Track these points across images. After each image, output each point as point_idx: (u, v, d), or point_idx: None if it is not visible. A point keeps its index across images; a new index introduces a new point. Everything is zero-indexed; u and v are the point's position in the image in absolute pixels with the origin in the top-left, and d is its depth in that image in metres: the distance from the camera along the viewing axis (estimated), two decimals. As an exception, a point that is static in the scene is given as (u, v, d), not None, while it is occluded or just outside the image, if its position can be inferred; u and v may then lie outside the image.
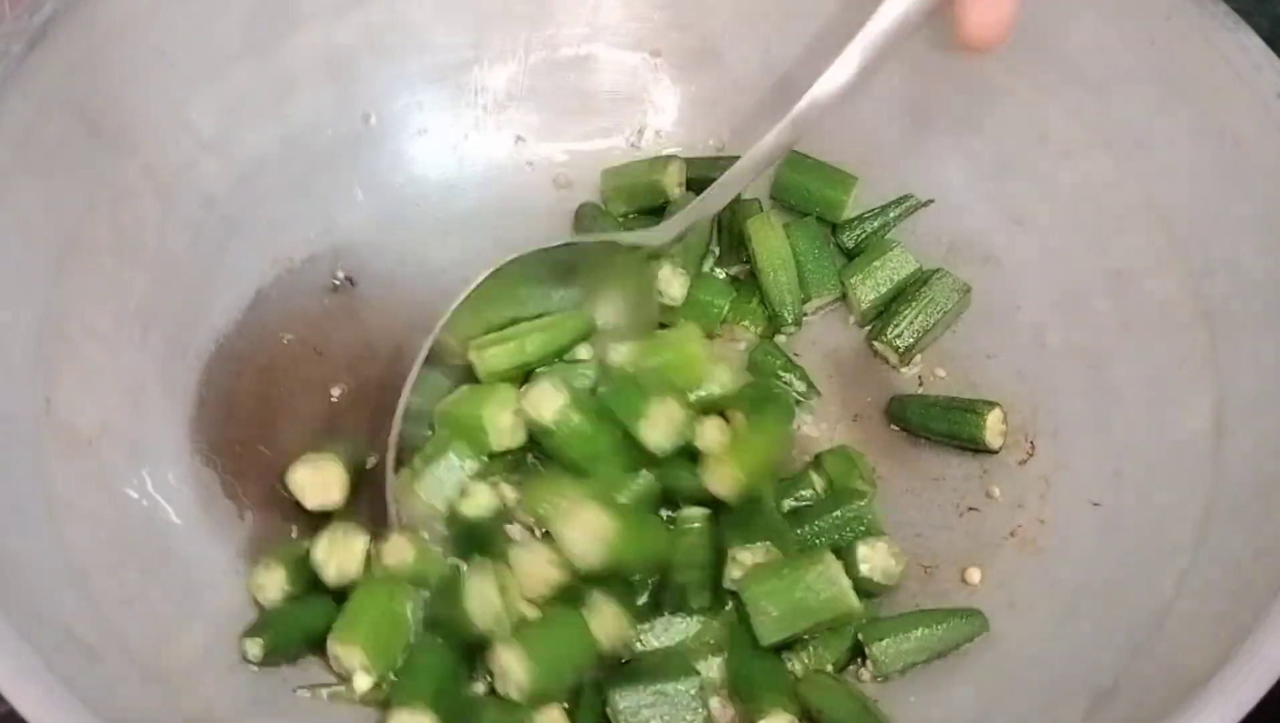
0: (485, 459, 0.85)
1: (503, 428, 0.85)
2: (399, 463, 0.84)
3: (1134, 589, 0.77)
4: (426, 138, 1.01)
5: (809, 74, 0.99)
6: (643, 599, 0.83)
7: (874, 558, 0.84)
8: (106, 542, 0.75)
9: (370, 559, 0.82)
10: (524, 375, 0.88)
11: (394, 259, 0.99)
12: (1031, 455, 0.90)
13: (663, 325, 0.93)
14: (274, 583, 0.81)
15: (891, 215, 1.00)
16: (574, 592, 0.80)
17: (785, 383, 0.94)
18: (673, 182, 0.99)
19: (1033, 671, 0.77)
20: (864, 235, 1.00)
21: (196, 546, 0.82)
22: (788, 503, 0.88)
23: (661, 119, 1.05)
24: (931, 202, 0.99)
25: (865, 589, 0.83)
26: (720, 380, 0.88)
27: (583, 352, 0.91)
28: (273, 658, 0.78)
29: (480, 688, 0.80)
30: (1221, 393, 0.81)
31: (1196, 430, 0.81)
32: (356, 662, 0.77)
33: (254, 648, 0.77)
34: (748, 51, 1.03)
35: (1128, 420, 0.86)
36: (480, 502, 0.83)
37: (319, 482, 0.85)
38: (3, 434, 0.73)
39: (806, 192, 1.00)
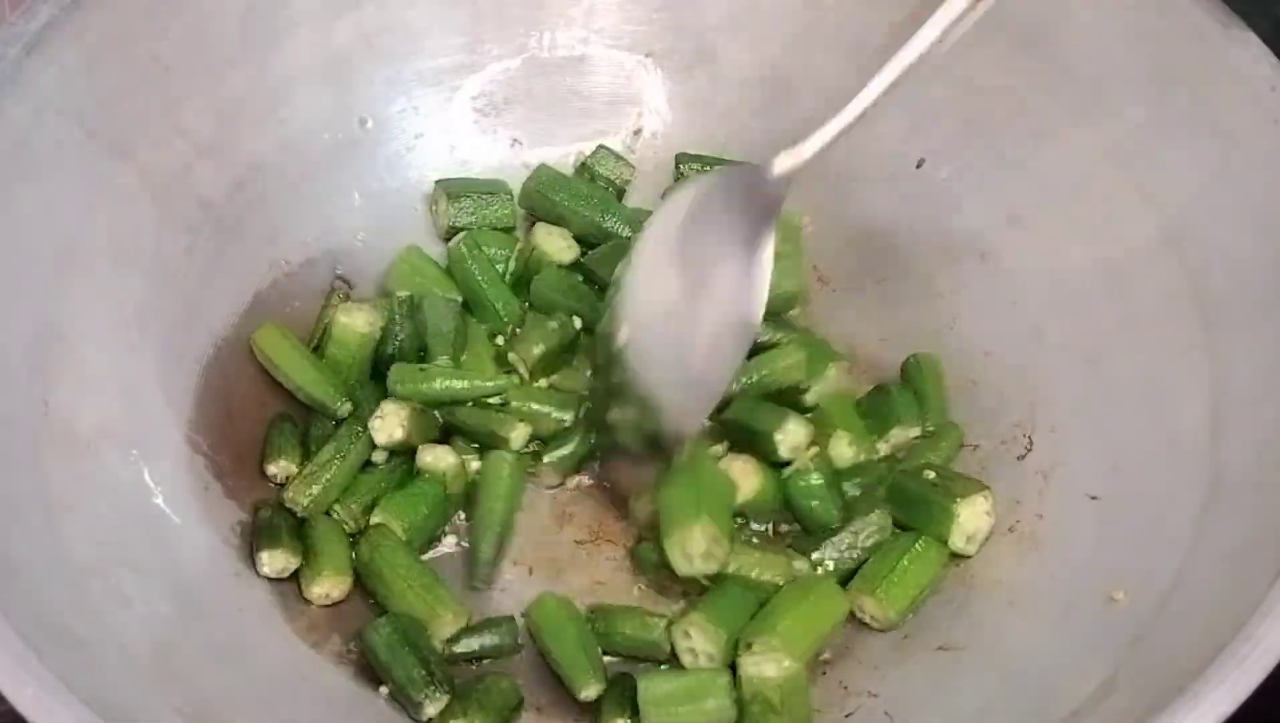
0: None
1: None
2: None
3: (1132, 582, 0.77)
4: (423, 141, 1.02)
5: (803, 75, 1.01)
6: None
7: None
8: (104, 542, 0.75)
9: None
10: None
11: (391, 263, 0.99)
12: (1029, 451, 0.90)
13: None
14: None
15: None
16: None
17: None
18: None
19: (1032, 663, 0.77)
20: None
21: (194, 546, 0.82)
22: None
23: (657, 120, 1.05)
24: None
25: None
26: None
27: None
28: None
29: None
30: (1218, 386, 0.81)
31: (1193, 424, 0.81)
32: None
33: None
34: (742, 53, 1.03)
35: (1125, 415, 0.86)
36: None
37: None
38: (1, 436, 0.73)
39: None
